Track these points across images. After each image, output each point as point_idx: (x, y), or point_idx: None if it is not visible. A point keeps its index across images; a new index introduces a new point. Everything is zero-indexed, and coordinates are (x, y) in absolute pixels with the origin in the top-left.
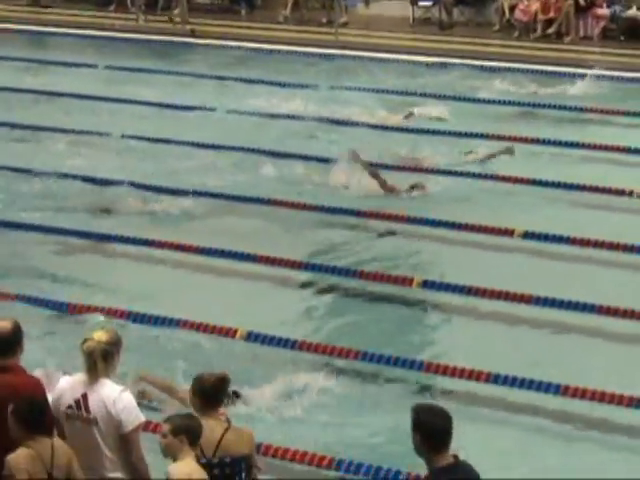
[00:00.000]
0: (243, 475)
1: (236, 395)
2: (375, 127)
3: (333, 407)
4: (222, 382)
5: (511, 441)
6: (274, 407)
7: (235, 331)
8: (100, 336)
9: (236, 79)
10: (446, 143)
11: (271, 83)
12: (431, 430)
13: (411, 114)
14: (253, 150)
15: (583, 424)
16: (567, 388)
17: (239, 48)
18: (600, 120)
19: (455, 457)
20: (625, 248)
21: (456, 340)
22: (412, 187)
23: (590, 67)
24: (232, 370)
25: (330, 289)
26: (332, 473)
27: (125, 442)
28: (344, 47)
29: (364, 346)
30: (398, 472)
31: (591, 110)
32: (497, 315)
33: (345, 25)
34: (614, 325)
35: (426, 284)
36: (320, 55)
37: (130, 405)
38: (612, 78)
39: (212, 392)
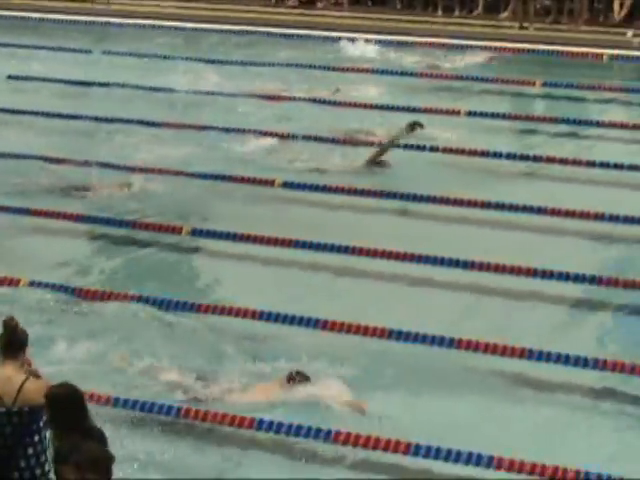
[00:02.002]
0: (41, 424)
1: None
2: (141, 88)
3: None
4: (14, 328)
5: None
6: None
7: (18, 281)
8: None
9: (6, 45)
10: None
11: (43, 48)
12: (71, 404)
13: None
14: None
15: (357, 361)
16: (334, 323)
17: (7, 17)
18: (352, 78)
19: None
20: (369, 193)
21: (226, 282)
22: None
23: (342, 31)
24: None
25: (104, 238)
26: None
27: None
28: (113, 15)
29: (140, 291)
30: None
31: (346, 69)
32: (264, 259)
33: None
34: (374, 265)
35: (195, 232)
36: (93, 23)
37: None
38: (366, 40)
39: (6, 338)
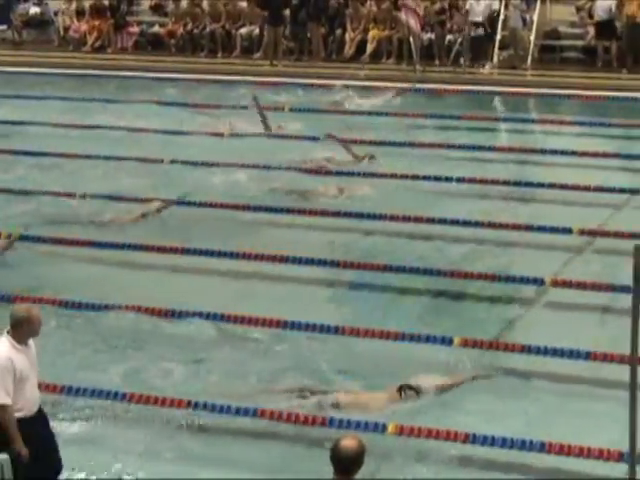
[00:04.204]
0: None
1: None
2: None
3: None
4: None
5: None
6: None
7: None
8: None
9: None
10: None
11: None
12: None
13: None
14: None
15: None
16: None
17: None
18: (135, 107)
19: None
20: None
21: (49, 277)
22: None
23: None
24: None
25: None
26: None
27: None
28: None
29: None
30: None
31: (132, 101)
32: (78, 256)
33: None
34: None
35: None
36: None
37: None
38: (148, 78)
39: None
